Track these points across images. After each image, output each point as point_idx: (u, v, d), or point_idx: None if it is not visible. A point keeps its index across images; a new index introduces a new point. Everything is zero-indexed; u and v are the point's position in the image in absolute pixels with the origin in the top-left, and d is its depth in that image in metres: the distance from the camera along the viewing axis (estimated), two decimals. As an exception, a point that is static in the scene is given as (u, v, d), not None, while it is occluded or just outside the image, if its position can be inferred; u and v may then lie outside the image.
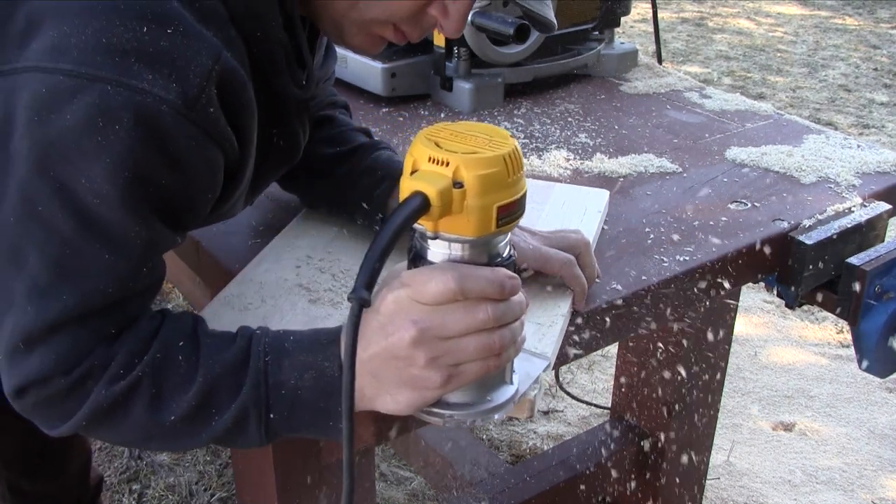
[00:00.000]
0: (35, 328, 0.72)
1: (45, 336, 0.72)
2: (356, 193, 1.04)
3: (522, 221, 0.75)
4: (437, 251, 0.72)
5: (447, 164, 0.68)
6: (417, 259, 0.74)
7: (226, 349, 0.76)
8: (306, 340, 0.77)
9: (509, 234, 0.74)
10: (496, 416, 0.78)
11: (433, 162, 0.69)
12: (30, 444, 1.23)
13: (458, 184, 0.68)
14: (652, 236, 1.10)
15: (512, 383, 0.80)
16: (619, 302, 0.98)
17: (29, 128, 0.69)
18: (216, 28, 0.74)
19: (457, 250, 0.72)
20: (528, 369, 0.83)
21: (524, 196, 0.72)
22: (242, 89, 0.77)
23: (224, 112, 0.75)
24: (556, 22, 0.92)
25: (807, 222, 1.15)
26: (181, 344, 0.76)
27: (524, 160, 1.29)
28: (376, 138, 1.12)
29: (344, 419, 0.66)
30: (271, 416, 0.76)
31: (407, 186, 0.68)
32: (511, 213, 0.70)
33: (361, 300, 0.65)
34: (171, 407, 0.75)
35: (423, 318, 0.71)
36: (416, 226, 0.71)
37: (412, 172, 0.69)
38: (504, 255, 0.74)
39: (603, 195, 1.16)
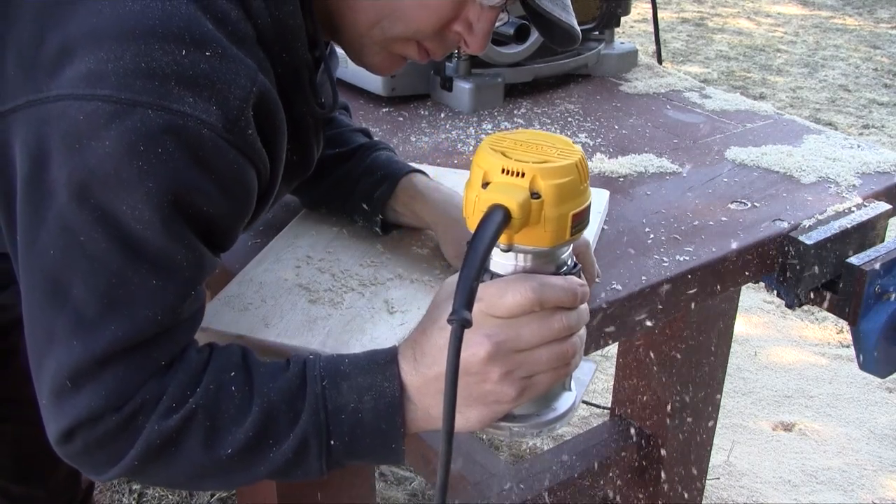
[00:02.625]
0: (83, 363, 0.69)
1: (94, 371, 0.69)
2: (356, 194, 1.04)
3: None
4: (504, 263, 0.72)
5: (522, 174, 0.67)
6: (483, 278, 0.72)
7: (280, 376, 0.74)
8: (363, 361, 0.75)
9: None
10: (558, 426, 0.77)
11: (507, 173, 0.67)
12: (20, 449, 1.21)
13: (535, 194, 0.67)
14: (652, 236, 1.10)
15: (571, 390, 0.79)
16: (619, 302, 0.98)
17: (67, 157, 0.67)
18: (248, 50, 0.73)
19: (526, 261, 0.71)
20: (577, 374, 0.82)
21: (589, 206, 0.71)
22: (276, 111, 0.77)
23: (259, 134, 0.74)
24: (580, 32, 0.89)
25: (807, 222, 1.15)
26: (233, 374, 0.74)
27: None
28: (376, 138, 1.12)
29: (442, 443, 0.64)
30: (332, 442, 0.74)
31: (485, 199, 0.66)
32: (582, 220, 0.70)
33: (463, 321, 0.62)
34: (226, 440, 0.72)
35: (498, 331, 0.70)
36: None
37: (484, 185, 0.68)
38: (570, 264, 0.74)
39: (603, 195, 1.16)
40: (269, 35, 0.76)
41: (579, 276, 0.74)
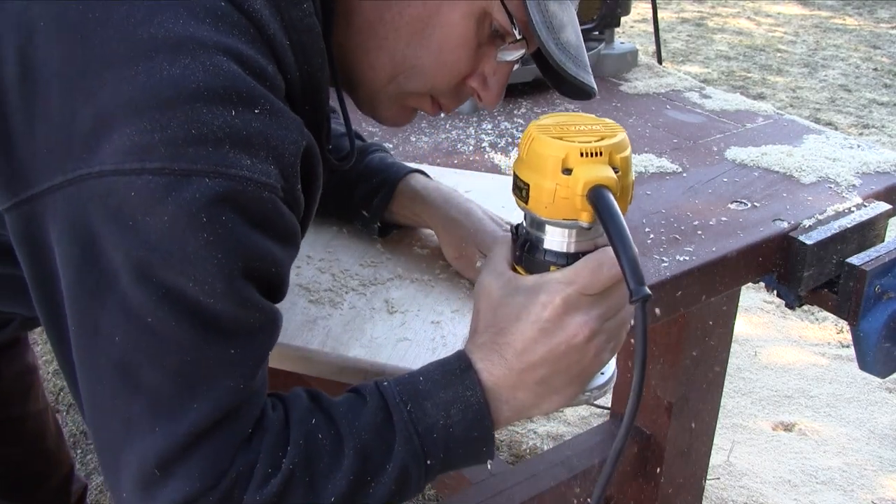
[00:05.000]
0: (170, 449, 0.65)
1: (182, 455, 0.65)
2: (354, 201, 1.03)
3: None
4: (554, 239, 0.74)
5: (601, 153, 0.70)
6: (534, 250, 0.75)
7: (361, 412, 0.73)
8: (437, 375, 0.75)
9: None
10: (609, 389, 0.81)
11: (586, 155, 0.70)
12: (9, 461, 1.20)
13: (615, 169, 0.70)
14: (652, 236, 1.10)
15: (603, 374, 0.82)
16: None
17: (121, 236, 0.63)
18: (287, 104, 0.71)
19: (573, 236, 0.74)
20: None
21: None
22: (317, 162, 0.76)
23: (301, 183, 0.73)
24: (595, 88, 0.88)
25: (807, 222, 1.15)
26: (314, 422, 0.72)
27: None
28: (367, 141, 1.11)
29: (627, 416, 0.68)
30: (428, 462, 0.73)
31: (577, 183, 0.69)
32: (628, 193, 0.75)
33: (646, 297, 0.65)
34: (327, 490, 0.70)
35: (593, 309, 0.72)
36: (525, 216, 0.75)
37: (566, 170, 0.70)
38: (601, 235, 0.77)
39: None
40: (297, 89, 0.74)
41: None
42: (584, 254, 0.73)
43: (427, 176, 1.06)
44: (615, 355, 0.78)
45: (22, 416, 1.19)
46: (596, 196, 0.69)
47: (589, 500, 1.69)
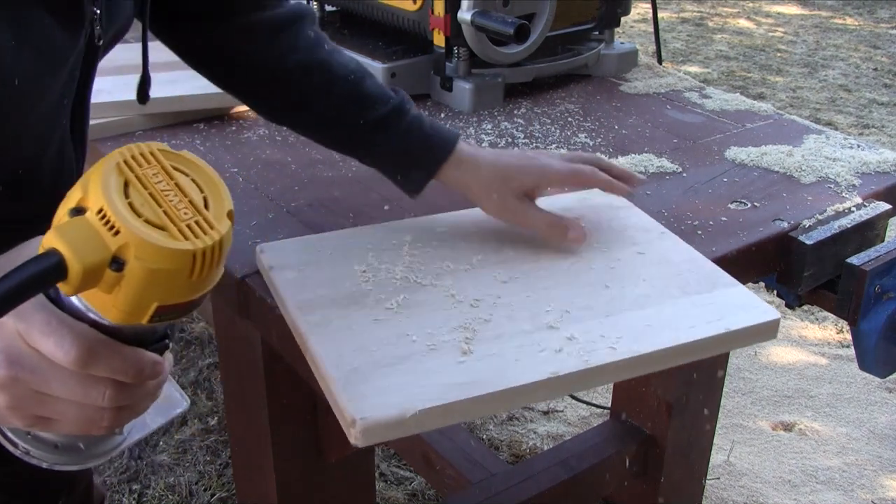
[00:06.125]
0: None
1: None
2: (391, 169, 1.01)
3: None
4: (77, 300, 0.55)
5: (118, 232, 0.49)
6: (56, 300, 0.55)
7: None
8: None
9: None
10: (74, 468, 0.64)
11: (103, 218, 0.50)
12: (33, 474, 1.21)
13: (117, 262, 0.50)
14: (652, 236, 1.10)
15: (121, 433, 0.67)
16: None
17: None
18: None
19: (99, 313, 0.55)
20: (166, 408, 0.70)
21: (206, 295, 0.55)
22: None
23: None
24: None
25: (807, 222, 1.15)
26: None
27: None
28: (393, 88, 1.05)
29: None
30: None
31: (53, 236, 0.50)
32: (178, 312, 0.54)
33: None
34: None
35: (25, 363, 0.56)
36: None
37: (75, 211, 0.51)
38: (159, 334, 0.60)
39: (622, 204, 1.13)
40: None
41: (163, 346, 0.61)
42: None
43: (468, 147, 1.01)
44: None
45: None
46: (39, 255, 0.50)
47: (589, 499, 1.69)
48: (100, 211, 0.50)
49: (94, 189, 0.50)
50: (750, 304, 0.91)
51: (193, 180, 0.54)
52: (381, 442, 0.74)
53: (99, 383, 0.57)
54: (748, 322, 0.88)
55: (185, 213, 0.51)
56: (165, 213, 0.51)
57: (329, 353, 0.80)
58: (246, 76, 1.03)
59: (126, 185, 0.51)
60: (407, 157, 1.00)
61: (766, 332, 0.89)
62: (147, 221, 0.50)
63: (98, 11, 0.78)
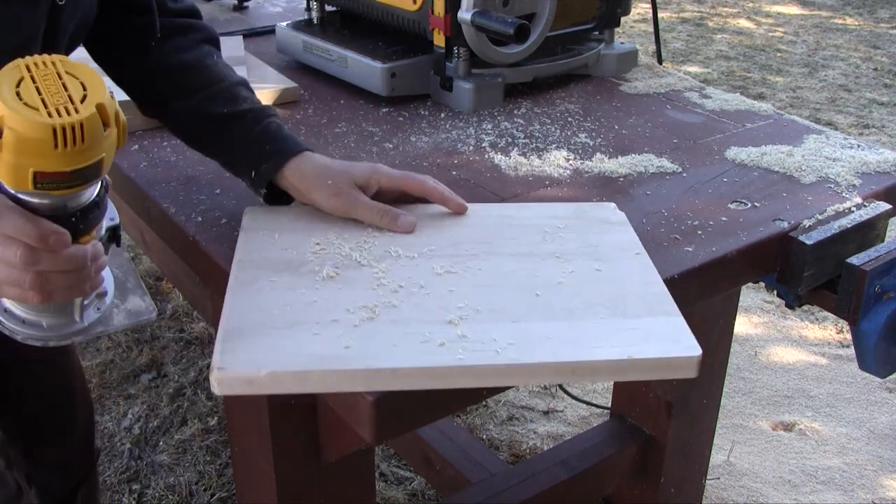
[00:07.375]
0: None
1: None
2: (244, 160, 1.06)
3: None
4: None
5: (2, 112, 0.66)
6: None
7: None
8: None
9: (91, 193, 0.75)
10: (39, 343, 0.79)
11: None
12: (36, 410, 1.24)
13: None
14: (652, 236, 1.10)
15: (78, 320, 0.80)
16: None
17: None
18: None
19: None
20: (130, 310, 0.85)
21: (87, 169, 0.69)
22: None
23: None
24: None
25: (807, 222, 1.15)
26: None
27: (523, 158, 1.29)
28: (265, 104, 1.12)
29: None
30: None
31: None
32: (58, 181, 0.69)
33: None
34: None
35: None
36: None
37: None
38: (69, 211, 0.73)
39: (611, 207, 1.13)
40: None
41: (78, 229, 0.74)
42: None
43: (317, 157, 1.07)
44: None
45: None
46: None
47: (589, 499, 1.69)
48: None
49: (2, 76, 0.66)
50: (675, 337, 0.86)
51: (82, 83, 0.69)
52: (238, 394, 0.77)
53: (11, 242, 0.70)
54: (657, 354, 0.83)
55: (59, 100, 0.67)
56: (43, 100, 0.66)
57: (233, 306, 0.85)
58: (129, 68, 1.12)
59: (21, 80, 0.67)
60: (261, 149, 1.05)
61: (682, 367, 0.84)
62: (25, 104, 0.66)
63: None
